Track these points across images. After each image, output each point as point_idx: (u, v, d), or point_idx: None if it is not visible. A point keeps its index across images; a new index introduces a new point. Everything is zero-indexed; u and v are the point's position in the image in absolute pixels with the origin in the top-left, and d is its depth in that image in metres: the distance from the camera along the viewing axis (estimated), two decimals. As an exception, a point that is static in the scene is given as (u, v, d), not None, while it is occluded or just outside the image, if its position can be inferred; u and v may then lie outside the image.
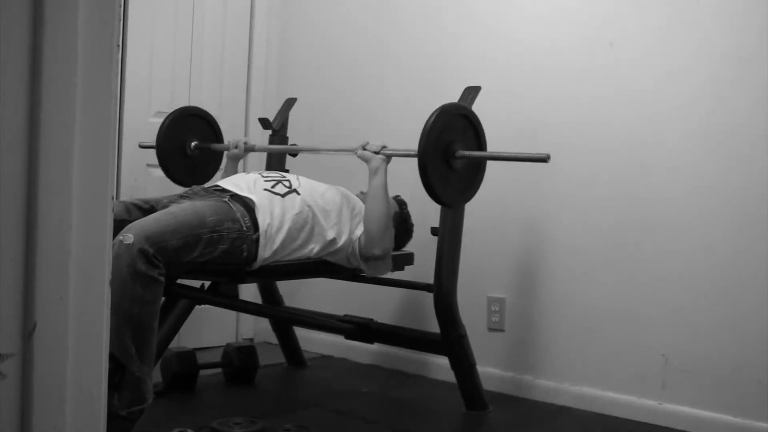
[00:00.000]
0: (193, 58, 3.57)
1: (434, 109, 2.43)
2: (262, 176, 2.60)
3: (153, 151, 3.12)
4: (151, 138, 3.11)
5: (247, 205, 2.43)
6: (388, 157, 2.60)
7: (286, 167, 3.23)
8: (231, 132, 3.52)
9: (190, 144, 3.11)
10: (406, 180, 2.96)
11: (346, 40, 3.64)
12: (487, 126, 2.68)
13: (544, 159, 2.36)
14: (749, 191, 2.54)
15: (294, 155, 3.28)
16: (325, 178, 2.85)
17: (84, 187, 0.90)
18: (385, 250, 2.57)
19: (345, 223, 2.59)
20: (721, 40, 2.61)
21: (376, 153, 2.58)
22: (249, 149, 3.02)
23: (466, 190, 2.57)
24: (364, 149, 2.60)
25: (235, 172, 3.01)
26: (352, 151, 2.65)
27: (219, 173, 3.18)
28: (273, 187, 2.54)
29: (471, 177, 2.56)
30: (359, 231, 2.58)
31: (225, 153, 3.08)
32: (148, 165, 3.41)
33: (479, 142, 2.55)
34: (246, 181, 2.55)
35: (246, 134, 3.70)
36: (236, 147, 2.99)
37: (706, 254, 2.62)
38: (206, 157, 3.16)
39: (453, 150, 2.43)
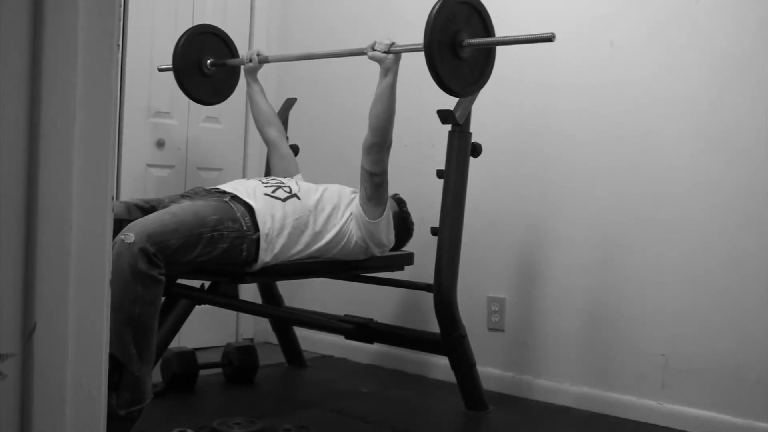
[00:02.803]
0: (193, 58, 3.57)
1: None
2: (262, 182, 2.61)
3: (153, 151, 3.12)
4: (154, 135, 3.11)
5: (248, 207, 2.44)
6: (398, 56, 2.57)
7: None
8: (229, 150, 3.52)
9: (206, 62, 3.11)
10: (406, 180, 2.97)
11: (346, 39, 3.64)
12: (487, 125, 2.68)
13: (549, 38, 2.27)
14: (749, 190, 2.54)
15: (294, 155, 3.27)
16: (326, 178, 2.85)
17: (84, 187, 0.90)
18: (385, 138, 2.56)
19: (345, 213, 2.62)
20: (720, 39, 2.61)
21: (386, 53, 2.56)
22: (263, 60, 3.02)
23: (477, 80, 2.48)
24: (374, 49, 2.59)
25: (258, 84, 3.04)
26: (363, 52, 2.63)
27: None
28: (273, 192, 2.54)
29: (482, 64, 2.48)
30: (356, 201, 2.61)
31: (242, 68, 3.08)
32: (148, 165, 3.41)
33: (486, 28, 2.46)
34: (246, 188, 2.55)
35: (246, 136, 3.69)
36: (251, 60, 3.00)
37: (706, 254, 2.62)
38: (224, 74, 3.17)
39: (460, 39, 2.36)
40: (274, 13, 3.87)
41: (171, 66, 3.09)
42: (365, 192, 2.60)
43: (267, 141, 3.06)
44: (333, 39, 3.69)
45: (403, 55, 2.56)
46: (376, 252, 2.69)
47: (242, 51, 3.21)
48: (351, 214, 2.61)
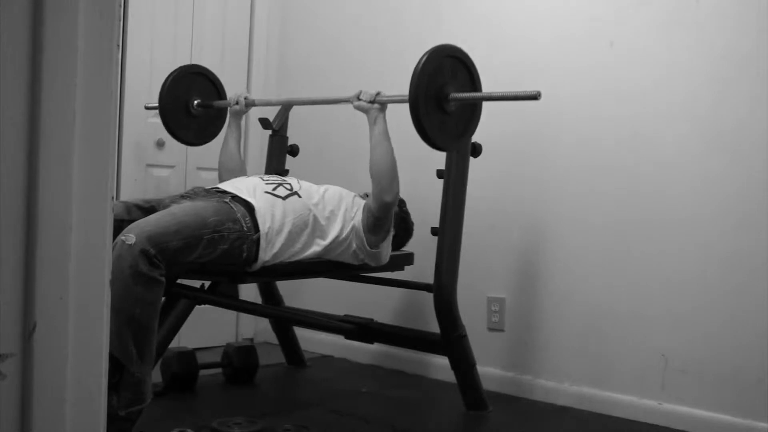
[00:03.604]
0: (193, 58, 3.57)
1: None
2: (263, 180, 2.60)
3: (153, 151, 3.12)
4: (154, 135, 3.10)
5: (248, 206, 2.43)
6: (384, 105, 2.58)
7: (286, 167, 3.23)
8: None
9: (193, 102, 3.08)
10: (406, 180, 2.97)
11: (346, 39, 3.65)
12: (487, 125, 2.68)
13: (535, 96, 2.27)
14: (749, 190, 2.54)
15: (294, 155, 3.27)
16: (326, 178, 2.85)
17: (84, 187, 0.90)
18: (395, 195, 2.56)
19: (347, 221, 2.60)
20: (720, 39, 2.61)
21: (372, 102, 2.57)
22: (250, 104, 3.00)
23: (462, 133, 2.47)
24: (360, 99, 2.60)
25: (238, 128, 3.01)
26: (348, 101, 2.64)
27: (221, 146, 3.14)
28: (274, 189, 2.54)
29: (467, 119, 2.46)
30: (359, 218, 2.59)
31: (228, 109, 3.06)
32: (148, 165, 3.41)
33: (473, 82, 2.45)
34: (246, 185, 2.54)
35: (246, 135, 3.69)
36: (237, 103, 2.98)
37: (706, 254, 2.62)
38: (210, 115, 3.13)
39: (446, 93, 2.34)
40: (274, 14, 3.87)
41: (157, 105, 3.05)
42: (368, 225, 2.58)
43: (221, 179, 2.98)
44: (333, 42, 3.69)
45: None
46: (372, 264, 2.70)
47: (230, 92, 3.15)
48: (353, 227, 2.59)
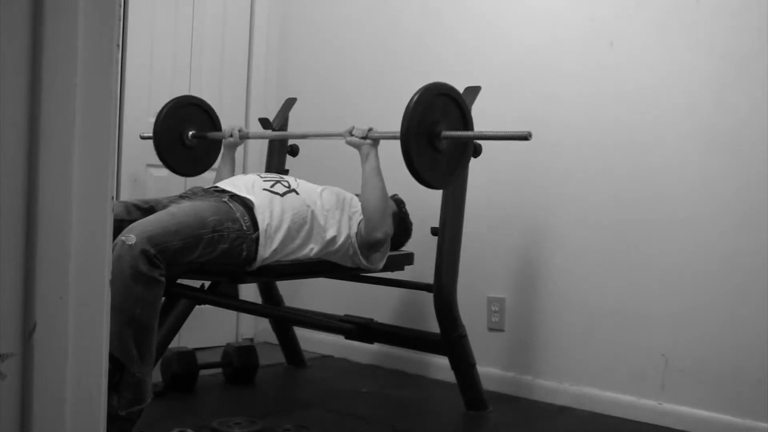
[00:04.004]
0: (193, 58, 3.57)
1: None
2: (261, 177, 2.61)
3: (153, 152, 3.11)
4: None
5: (247, 205, 2.43)
6: (376, 141, 2.59)
7: (286, 167, 3.23)
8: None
9: (188, 133, 3.08)
10: (406, 179, 2.96)
11: (346, 39, 3.65)
12: (487, 125, 2.67)
13: (525, 137, 2.29)
14: (749, 191, 2.54)
15: (294, 155, 3.28)
16: (327, 178, 2.85)
17: (84, 187, 0.90)
18: (386, 233, 2.58)
19: (344, 223, 2.59)
20: (720, 40, 2.61)
21: (364, 138, 2.57)
22: (244, 137, 3.01)
23: (453, 171, 2.47)
24: (352, 134, 2.60)
25: (232, 159, 3.01)
26: (341, 136, 2.65)
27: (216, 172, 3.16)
28: (272, 186, 2.54)
29: (458, 157, 2.47)
30: (356, 227, 2.59)
31: (222, 141, 3.06)
32: (148, 165, 3.41)
33: (465, 121, 2.45)
34: (245, 183, 2.55)
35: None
36: (231, 135, 2.98)
37: (706, 254, 2.62)
38: (205, 146, 3.13)
39: (437, 131, 2.34)
40: (274, 14, 3.87)
41: (152, 135, 3.05)
42: (363, 248, 2.58)
43: None
44: (332, 42, 3.69)
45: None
46: (368, 269, 2.71)
47: (225, 124, 3.15)
48: (349, 238, 2.58)
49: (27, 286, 0.86)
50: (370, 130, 2.58)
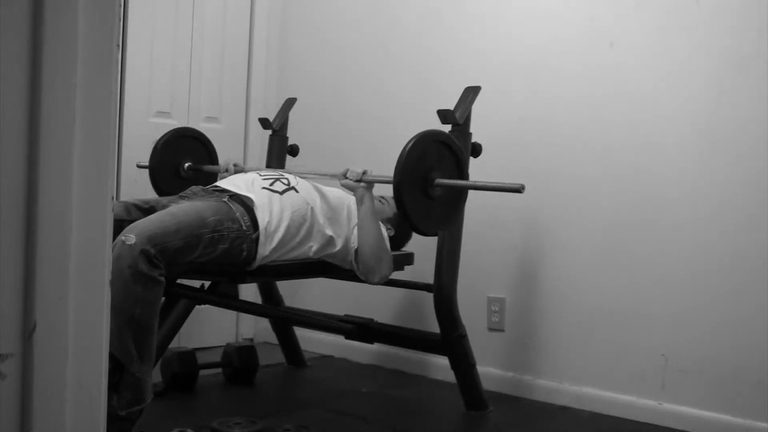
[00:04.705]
0: (193, 58, 3.57)
1: (413, 136, 2.35)
2: (260, 175, 2.60)
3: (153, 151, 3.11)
4: (154, 135, 3.10)
5: (246, 205, 2.43)
6: (371, 184, 2.57)
7: (286, 167, 3.23)
8: (229, 149, 3.50)
9: (184, 165, 3.10)
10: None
11: (346, 40, 3.64)
12: (487, 125, 2.68)
13: (518, 189, 2.29)
14: (749, 191, 2.54)
15: (294, 155, 3.28)
16: (325, 179, 2.85)
17: (84, 187, 0.90)
18: (383, 277, 2.56)
19: (343, 224, 2.59)
20: (720, 40, 2.61)
21: (358, 181, 2.56)
22: (239, 171, 3.01)
23: (446, 218, 2.47)
24: (346, 177, 2.59)
25: None
26: (336, 178, 2.64)
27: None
28: (271, 184, 2.54)
29: (452, 203, 2.46)
30: (356, 239, 2.57)
31: (218, 175, 3.05)
32: (148, 165, 3.41)
33: (459, 168, 2.45)
34: (244, 181, 2.55)
35: (246, 135, 3.70)
36: (227, 170, 2.98)
37: (706, 254, 2.62)
38: (201, 179, 3.10)
39: (431, 178, 2.34)
40: (274, 14, 3.87)
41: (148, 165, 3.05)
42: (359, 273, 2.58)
43: None
44: (332, 43, 3.69)
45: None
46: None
47: (221, 158, 3.14)
48: (349, 250, 2.57)
49: (27, 286, 0.86)
50: (364, 173, 2.55)
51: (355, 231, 2.57)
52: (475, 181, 2.46)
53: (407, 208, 2.29)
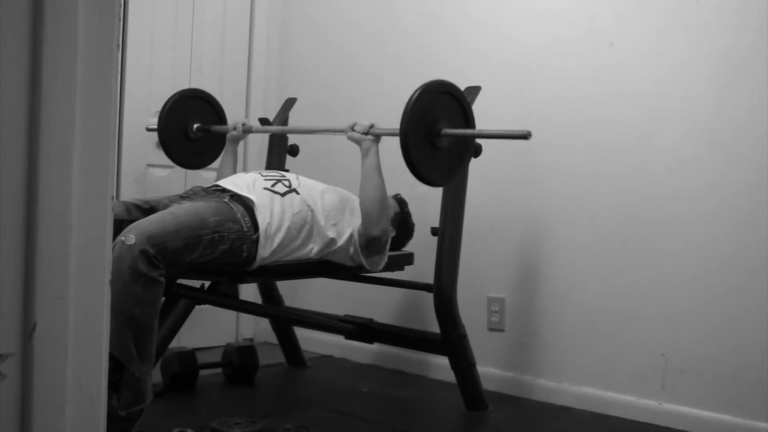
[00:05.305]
0: (193, 58, 3.57)
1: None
2: (262, 175, 2.60)
3: (153, 152, 3.12)
4: (154, 135, 3.10)
5: (247, 205, 2.43)
6: (378, 137, 2.59)
7: (286, 167, 3.23)
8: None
9: (193, 126, 3.08)
10: (406, 180, 2.96)
11: (346, 40, 3.64)
12: (487, 125, 2.67)
13: (525, 136, 2.29)
14: (749, 191, 2.54)
15: (294, 155, 3.27)
16: (326, 178, 2.85)
17: (84, 187, 0.90)
18: (383, 231, 2.56)
19: (345, 223, 2.59)
20: (720, 40, 2.61)
21: (365, 134, 2.58)
22: (247, 130, 3.01)
23: (452, 169, 2.46)
24: (353, 130, 2.60)
25: (234, 153, 3.02)
26: (342, 131, 2.65)
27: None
28: (273, 186, 2.54)
29: (459, 154, 2.45)
30: (357, 228, 2.58)
31: (226, 138, 3.05)
32: (148, 165, 3.41)
33: (466, 118, 2.44)
34: (245, 181, 2.55)
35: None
36: (235, 129, 2.99)
37: (706, 254, 2.62)
38: (209, 140, 3.13)
39: (437, 128, 2.33)
40: (274, 14, 3.86)
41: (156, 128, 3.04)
42: (362, 248, 2.56)
43: None
44: (332, 43, 3.69)
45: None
46: (368, 268, 2.69)
47: (230, 118, 3.15)
48: (351, 236, 2.57)
49: (27, 286, 0.86)
50: (371, 126, 2.58)
51: (357, 222, 2.57)
52: (481, 130, 2.47)
53: (413, 159, 2.27)
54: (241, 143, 3.16)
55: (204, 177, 3.51)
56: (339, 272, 2.77)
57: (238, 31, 3.75)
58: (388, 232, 2.61)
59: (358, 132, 2.58)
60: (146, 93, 3.39)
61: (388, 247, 2.67)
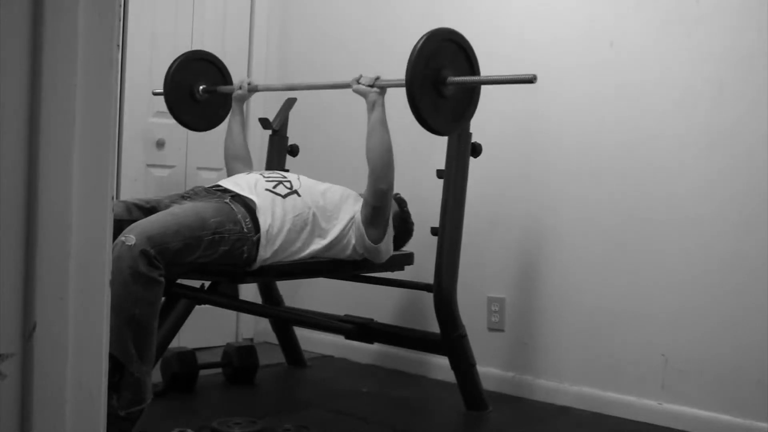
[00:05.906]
0: (193, 58, 3.56)
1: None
2: (263, 176, 2.60)
3: (153, 151, 3.11)
4: (154, 135, 3.10)
5: (248, 206, 2.43)
6: (383, 90, 2.58)
7: (286, 167, 3.23)
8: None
9: (198, 88, 3.10)
10: (406, 180, 2.97)
11: (346, 40, 3.64)
12: (487, 125, 2.68)
13: (531, 80, 2.28)
14: (749, 191, 2.54)
15: (294, 155, 3.27)
16: (327, 178, 2.85)
17: (84, 187, 0.90)
18: (389, 184, 2.55)
19: (345, 212, 2.60)
20: (720, 40, 2.61)
21: (371, 86, 2.57)
22: (253, 89, 3.03)
23: (459, 118, 2.45)
24: (359, 83, 2.59)
25: (241, 113, 3.04)
26: (347, 85, 2.64)
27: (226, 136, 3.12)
28: (275, 187, 2.54)
29: (465, 101, 2.45)
30: (358, 213, 2.57)
31: (232, 98, 3.06)
32: (148, 165, 3.41)
33: (471, 66, 2.43)
34: (247, 182, 2.55)
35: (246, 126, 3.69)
36: (240, 88, 2.99)
37: (706, 254, 2.62)
38: (216, 101, 3.15)
39: (443, 77, 2.32)
40: (274, 12, 3.86)
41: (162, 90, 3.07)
42: (367, 217, 2.57)
43: (229, 173, 2.98)
44: (332, 42, 3.69)
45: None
46: (372, 261, 2.68)
47: (235, 78, 3.17)
48: (352, 220, 2.58)
49: (27, 286, 0.86)
50: (377, 78, 2.57)
51: (357, 216, 2.57)
52: (487, 77, 2.48)
53: (419, 107, 2.26)
54: (246, 129, 3.16)
55: (204, 177, 3.52)
56: (339, 272, 2.77)
57: (238, 31, 3.75)
58: (392, 187, 2.59)
59: (363, 84, 2.58)
60: (146, 93, 3.39)
61: (390, 226, 2.65)
